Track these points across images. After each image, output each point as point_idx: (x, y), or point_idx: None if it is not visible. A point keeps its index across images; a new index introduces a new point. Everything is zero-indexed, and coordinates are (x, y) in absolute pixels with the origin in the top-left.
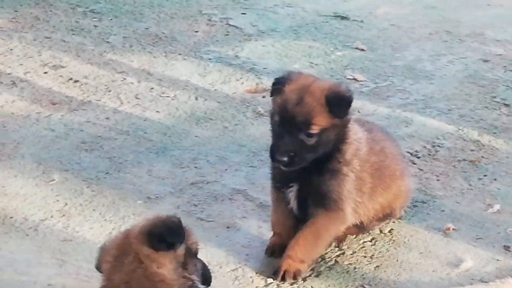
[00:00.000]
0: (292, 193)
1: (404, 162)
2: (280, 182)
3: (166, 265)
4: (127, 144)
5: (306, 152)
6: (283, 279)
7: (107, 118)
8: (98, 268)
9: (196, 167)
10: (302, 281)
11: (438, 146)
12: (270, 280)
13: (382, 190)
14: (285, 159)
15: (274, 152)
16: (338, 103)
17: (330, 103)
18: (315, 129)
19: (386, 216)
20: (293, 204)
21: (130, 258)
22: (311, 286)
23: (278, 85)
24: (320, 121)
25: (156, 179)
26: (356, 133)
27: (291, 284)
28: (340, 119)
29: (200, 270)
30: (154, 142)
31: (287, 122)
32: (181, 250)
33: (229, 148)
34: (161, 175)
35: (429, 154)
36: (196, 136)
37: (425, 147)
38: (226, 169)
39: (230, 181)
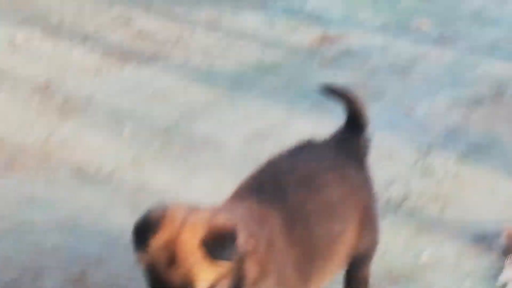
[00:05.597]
0: None
1: None
2: None
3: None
4: (196, 95)
5: None
6: None
7: (177, 70)
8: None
9: (263, 116)
10: None
11: (505, 89)
12: None
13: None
14: None
15: None
16: (220, 246)
17: (210, 250)
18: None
19: None
20: None
21: None
22: None
23: (141, 240)
24: (206, 276)
25: (225, 128)
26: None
27: None
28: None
29: None
30: (222, 93)
31: None
32: None
33: (296, 96)
34: (229, 124)
35: (496, 98)
36: (263, 86)
37: (491, 90)
38: (293, 117)
39: (297, 129)
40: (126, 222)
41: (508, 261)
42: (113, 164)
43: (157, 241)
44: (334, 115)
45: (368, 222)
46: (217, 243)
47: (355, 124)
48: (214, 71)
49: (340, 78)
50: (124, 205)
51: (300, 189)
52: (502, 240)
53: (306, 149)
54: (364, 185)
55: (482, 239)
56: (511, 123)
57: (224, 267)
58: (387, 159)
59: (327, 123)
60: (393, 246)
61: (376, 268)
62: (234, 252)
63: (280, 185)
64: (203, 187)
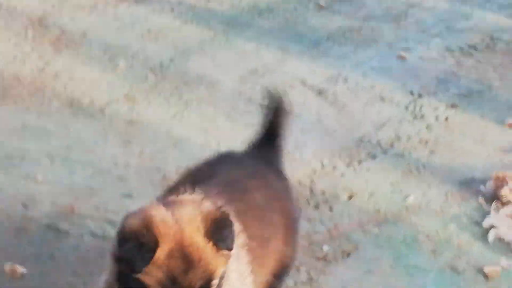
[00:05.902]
0: None
1: None
2: None
3: None
4: (191, 33)
5: None
6: None
7: (172, 9)
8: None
9: (257, 57)
10: (358, 164)
11: (497, 39)
12: (326, 161)
13: None
14: None
15: None
16: (225, 233)
17: (217, 239)
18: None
19: None
20: None
21: None
22: (366, 168)
23: (143, 258)
24: (220, 267)
25: (219, 66)
26: None
27: (346, 165)
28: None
29: None
30: (217, 33)
31: None
32: None
33: (290, 38)
34: (223, 63)
35: (487, 47)
36: (258, 27)
37: (483, 40)
38: (287, 59)
39: (290, 70)
40: (118, 153)
41: (493, 207)
42: (106, 98)
43: (163, 251)
44: (327, 58)
45: (292, 229)
46: (221, 232)
47: (271, 132)
48: (209, 11)
49: (334, 23)
50: (116, 138)
51: (228, 192)
52: (489, 186)
53: (226, 160)
54: (285, 192)
55: (469, 184)
56: (501, 72)
57: (228, 252)
58: (379, 102)
59: (319, 64)
60: (381, 187)
61: (363, 208)
62: (234, 236)
63: (211, 186)
64: (195, 123)
